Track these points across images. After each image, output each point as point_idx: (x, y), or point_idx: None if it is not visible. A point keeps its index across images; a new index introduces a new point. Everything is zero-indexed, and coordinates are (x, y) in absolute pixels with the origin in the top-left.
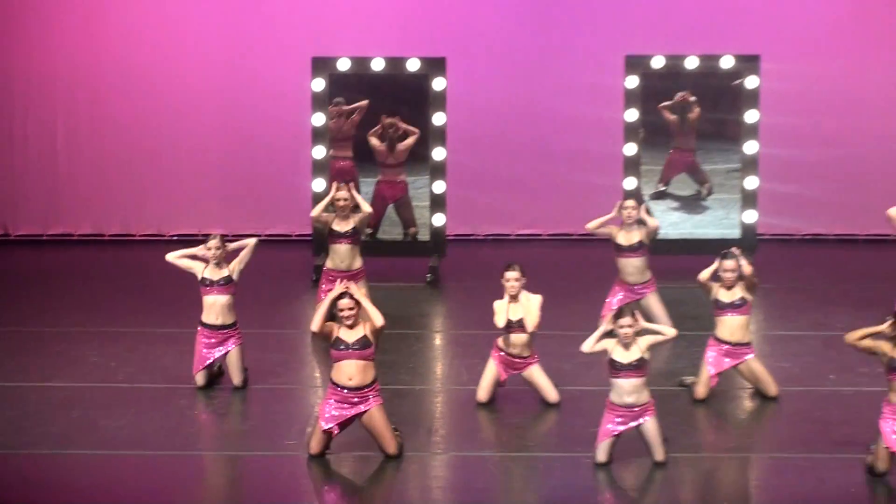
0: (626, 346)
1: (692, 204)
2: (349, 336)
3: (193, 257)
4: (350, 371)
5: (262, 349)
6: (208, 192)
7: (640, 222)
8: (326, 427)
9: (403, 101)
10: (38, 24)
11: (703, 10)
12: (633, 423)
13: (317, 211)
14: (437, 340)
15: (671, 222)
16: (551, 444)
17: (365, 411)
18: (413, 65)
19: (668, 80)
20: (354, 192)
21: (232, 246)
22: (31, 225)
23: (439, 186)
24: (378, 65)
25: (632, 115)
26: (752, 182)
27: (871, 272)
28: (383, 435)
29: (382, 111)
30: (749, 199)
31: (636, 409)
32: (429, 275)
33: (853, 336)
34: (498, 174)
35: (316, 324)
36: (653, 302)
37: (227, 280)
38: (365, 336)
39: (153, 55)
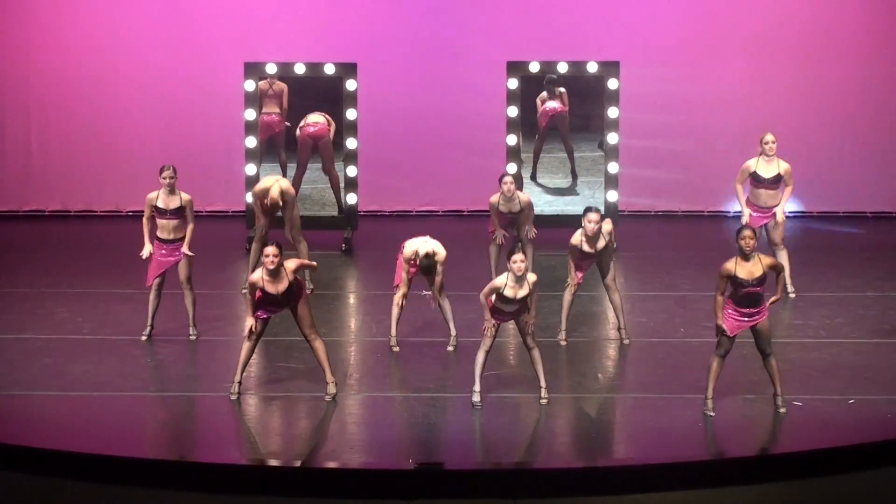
0: (519, 280)
1: (564, 186)
2: (272, 287)
3: (150, 217)
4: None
5: (204, 307)
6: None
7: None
8: (262, 317)
9: (321, 99)
10: (12, 33)
11: (573, 22)
12: None
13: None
14: (351, 300)
15: (546, 201)
16: (446, 385)
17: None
18: (329, 69)
19: (542, 83)
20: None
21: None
22: (8, 203)
23: (352, 171)
24: (300, 69)
25: (513, 111)
26: (613, 167)
27: (712, 242)
28: (306, 318)
29: (305, 109)
30: (611, 182)
31: None
32: (343, 245)
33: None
34: (401, 160)
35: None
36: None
37: (177, 210)
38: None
39: (113, 61)
